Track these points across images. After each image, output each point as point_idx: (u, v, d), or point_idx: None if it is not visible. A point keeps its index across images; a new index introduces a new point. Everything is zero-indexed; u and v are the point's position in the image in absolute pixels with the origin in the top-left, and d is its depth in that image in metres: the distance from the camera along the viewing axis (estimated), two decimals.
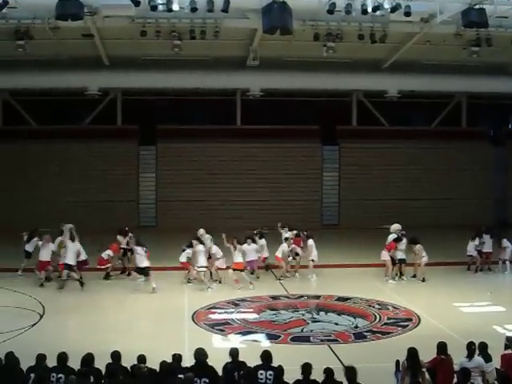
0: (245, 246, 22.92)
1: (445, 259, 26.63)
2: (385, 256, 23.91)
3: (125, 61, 33.50)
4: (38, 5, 23.68)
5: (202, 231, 23.82)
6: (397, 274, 23.92)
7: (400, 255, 23.87)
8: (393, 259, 23.88)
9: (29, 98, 36.48)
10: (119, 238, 24.53)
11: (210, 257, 23.26)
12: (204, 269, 22.69)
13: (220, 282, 23.13)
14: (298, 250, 24.43)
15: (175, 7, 23.51)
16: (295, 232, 24.98)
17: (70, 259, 22.25)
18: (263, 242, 24.46)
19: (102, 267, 23.70)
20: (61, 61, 32.85)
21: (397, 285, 23.32)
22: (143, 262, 22.29)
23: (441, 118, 41.26)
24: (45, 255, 22.92)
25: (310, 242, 24.18)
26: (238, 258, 22.63)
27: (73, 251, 22.41)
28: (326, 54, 29.74)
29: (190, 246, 22.97)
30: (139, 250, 22.43)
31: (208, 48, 31.37)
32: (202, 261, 22.60)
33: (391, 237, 24.11)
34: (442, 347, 12.26)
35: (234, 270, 22.54)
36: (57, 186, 35.13)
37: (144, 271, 22.31)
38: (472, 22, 23.18)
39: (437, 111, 41.24)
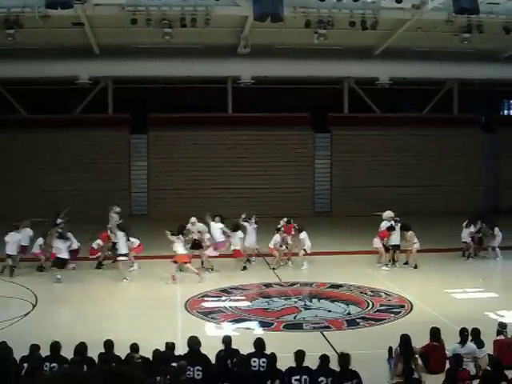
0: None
1: (436, 246, 26.68)
2: (377, 243, 23.93)
3: (115, 49, 33.40)
4: None
5: (193, 219, 23.81)
6: (390, 261, 23.95)
7: (394, 241, 23.89)
8: (385, 246, 23.91)
9: (19, 87, 36.27)
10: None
11: (201, 245, 23.28)
12: (124, 258, 22.51)
13: (212, 270, 23.11)
14: (289, 239, 24.35)
15: None
16: (286, 219, 24.94)
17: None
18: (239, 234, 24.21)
19: (94, 257, 23.67)
20: (51, 49, 32.74)
21: (389, 272, 23.36)
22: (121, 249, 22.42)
23: (432, 104, 41.24)
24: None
25: (303, 234, 23.97)
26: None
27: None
28: (317, 41, 29.75)
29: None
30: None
31: (199, 36, 31.29)
32: (121, 248, 22.50)
33: (384, 224, 24.13)
34: (434, 333, 12.31)
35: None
36: (47, 175, 35.03)
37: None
38: (463, 8, 23.17)
39: (428, 98, 41.24)
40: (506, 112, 46.23)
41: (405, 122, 39.81)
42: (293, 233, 24.35)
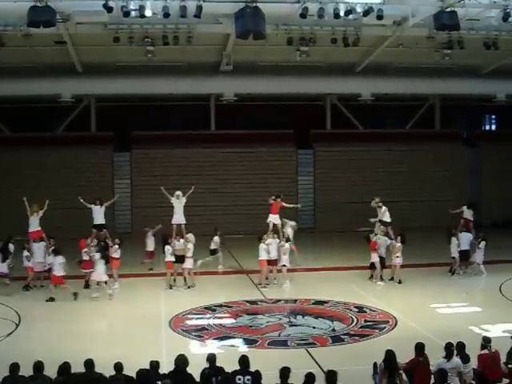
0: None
1: (419, 261, 26.78)
2: (374, 258, 23.99)
3: (98, 67, 33.39)
4: (10, 11, 23.51)
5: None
6: (372, 276, 24.02)
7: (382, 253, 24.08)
8: (382, 261, 23.98)
9: (2, 105, 36.15)
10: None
11: (184, 260, 23.32)
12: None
13: (189, 287, 23.06)
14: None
15: (148, 13, 23.44)
16: (273, 197, 25.21)
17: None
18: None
19: (88, 271, 23.42)
20: (33, 68, 32.71)
21: (374, 287, 23.37)
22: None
23: (414, 120, 41.49)
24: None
25: (287, 245, 24.16)
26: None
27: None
28: (300, 58, 29.86)
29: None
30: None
31: (181, 53, 31.36)
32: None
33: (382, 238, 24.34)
34: (419, 348, 12.30)
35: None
36: (30, 193, 34.80)
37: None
38: (444, 24, 23.33)
39: (410, 113, 41.47)
40: (487, 127, 46.46)
41: (387, 137, 40.03)
42: (281, 242, 24.24)
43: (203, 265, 25.49)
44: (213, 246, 26.33)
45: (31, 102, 36.03)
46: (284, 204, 25.32)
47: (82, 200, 25.18)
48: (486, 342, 12.81)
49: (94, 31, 26.75)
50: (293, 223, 26.57)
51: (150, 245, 26.05)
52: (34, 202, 24.15)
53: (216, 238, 26.34)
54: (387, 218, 25.44)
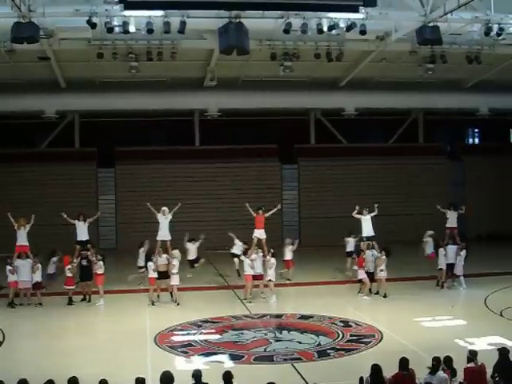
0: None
1: (405, 274, 26.85)
2: (361, 274, 24.03)
3: (82, 83, 33.38)
4: None
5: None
6: (360, 290, 24.09)
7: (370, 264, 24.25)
8: (370, 276, 24.01)
9: None
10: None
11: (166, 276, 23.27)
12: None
13: (178, 304, 22.98)
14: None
15: (132, 29, 23.44)
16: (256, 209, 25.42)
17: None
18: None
19: (72, 288, 23.39)
20: (17, 84, 32.65)
21: (359, 301, 23.39)
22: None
23: (398, 134, 41.69)
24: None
25: (273, 260, 24.12)
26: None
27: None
28: (283, 73, 29.97)
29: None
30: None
31: (165, 69, 31.40)
32: None
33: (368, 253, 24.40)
34: (403, 363, 12.30)
35: None
36: (14, 209, 34.64)
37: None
38: (426, 39, 23.45)
39: (394, 128, 41.69)
40: (470, 140, 46.74)
41: (371, 151, 40.19)
42: (267, 257, 24.23)
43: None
44: (193, 256, 26.40)
45: (15, 117, 35.96)
46: (266, 215, 25.34)
47: (65, 216, 25.06)
48: (473, 355, 12.83)
49: (78, 47, 26.73)
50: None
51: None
52: (18, 217, 24.04)
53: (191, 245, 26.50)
54: (370, 232, 25.54)
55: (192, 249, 26.49)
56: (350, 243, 27.24)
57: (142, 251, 25.63)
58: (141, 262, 25.61)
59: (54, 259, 25.08)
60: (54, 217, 34.89)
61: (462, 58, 28.87)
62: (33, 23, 21.44)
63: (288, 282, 26.36)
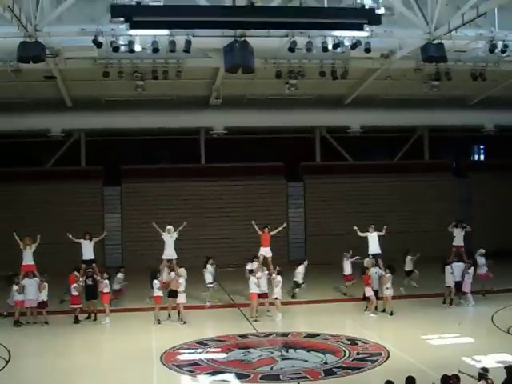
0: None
1: (411, 292, 26.75)
2: (368, 292, 23.98)
3: (88, 102, 33.50)
4: (0, 47, 23.61)
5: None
6: (367, 308, 24.03)
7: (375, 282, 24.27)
8: (376, 293, 23.97)
9: None
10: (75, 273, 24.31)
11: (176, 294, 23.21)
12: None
13: (184, 322, 22.91)
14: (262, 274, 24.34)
15: (137, 48, 23.56)
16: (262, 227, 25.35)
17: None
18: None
19: (77, 306, 23.39)
20: (23, 103, 32.79)
21: (365, 319, 23.31)
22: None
23: (403, 151, 41.69)
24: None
25: (279, 278, 24.06)
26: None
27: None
28: (289, 91, 30.02)
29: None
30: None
31: (171, 87, 31.49)
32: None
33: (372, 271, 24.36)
34: (409, 382, 12.24)
35: None
36: (20, 228, 34.67)
37: None
38: (431, 56, 23.53)
39: (399, 145, 41.69)
40: (476, 157, 46.71)
41: (377, 169, 40.20)
42: (273, 275, 24.20)
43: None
44: (210, 279, 26.22)
45: (21, 136, 36.02)
46: (272, 233, 25.33)
47: (70, 236, 25.06)
48: (485, 371, 12.74)
49: (84, 66, 26.85)
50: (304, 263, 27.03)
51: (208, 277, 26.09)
52: (23, 236, 24.10)
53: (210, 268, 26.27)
54: (376, 250, 25.52)
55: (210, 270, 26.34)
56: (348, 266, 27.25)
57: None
58: (209, 278, 25.89)
59: (120, 275, 25.57)
60: (60, 235, 35.01)
61: (467, 75, 28.91)
62: (39, 43, 21.59)
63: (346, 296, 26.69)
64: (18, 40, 21.38)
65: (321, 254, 37.07)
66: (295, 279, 26.66)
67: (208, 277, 25.94)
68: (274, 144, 39.66)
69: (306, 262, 27.08)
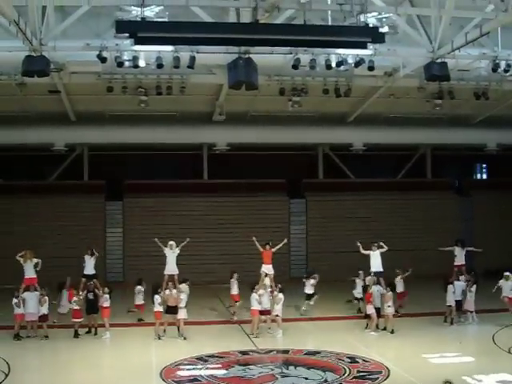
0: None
1: (412, 310, 26.70)
2: (370, 309, 23.95)
3: (91, 116, 33.60)
4: (5, 61, 23.74)
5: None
6: (367, 326, 23.98)
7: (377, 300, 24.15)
8: (376, 311, 23.94)
9: None
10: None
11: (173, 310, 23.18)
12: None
13: (185, 338, 22.87)
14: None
15: (141, 63, 23.69)
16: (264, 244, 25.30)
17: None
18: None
19: (79, 320, 23.38)
20: (27, 116, 32.89)
21: (366, 337, 23.26)
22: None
23: (406, 169, 41.73)
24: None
25: (280, 295, 24.05)
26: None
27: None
28: (292, 108, 30.14)
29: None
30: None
31: (174, 103, 31.60)
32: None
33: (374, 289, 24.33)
34: None
35: None
36: (22, 241, 34.71)
37: None
38: (434, 75, 23.59)
39: (402, 163, 41.73)
40: (479, 176, 46.72)
41: (379, 187, 40.20)
42: (275, 292, 24.19)
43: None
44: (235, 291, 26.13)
45: (24, 150, 36.11)
46: (274, 250, 25.35)
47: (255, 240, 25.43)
48: None
49: (88, 81, 26.99)
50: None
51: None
52: (24, 249, 24.17)
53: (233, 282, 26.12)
54: (379, 268, 25.52)
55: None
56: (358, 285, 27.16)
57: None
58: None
59: (140, 287, 25.40)
60: (62, 249, 35.19)
61: (470, 94, 29.03)
62: (43, 57, 21.68)
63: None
64: (23, 54, 21.49)
65: (323, 271, 36.94)
66: (306, 292, 26.65)
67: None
68: (276, 160, 39.69)
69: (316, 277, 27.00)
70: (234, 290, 25.86)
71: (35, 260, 23.87)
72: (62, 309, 24.36)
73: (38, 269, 23.87)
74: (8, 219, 35.94)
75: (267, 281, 24.82)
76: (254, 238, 25.54)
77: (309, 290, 26.66)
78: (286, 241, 26.94)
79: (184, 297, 23.38)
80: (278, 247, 25.57)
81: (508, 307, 24.43)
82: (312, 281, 26.69)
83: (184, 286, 24.20)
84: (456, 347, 21.45)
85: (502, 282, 24.77)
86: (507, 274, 24.83)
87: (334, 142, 38.75)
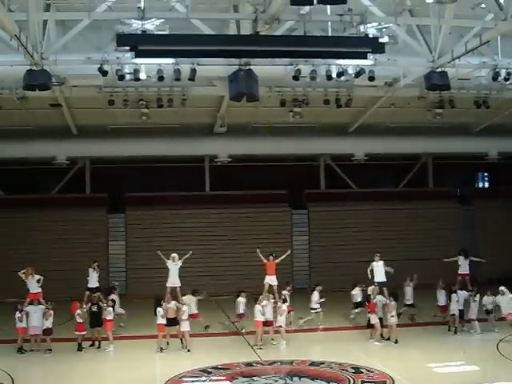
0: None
1: (416, 320, 26.65)
2: (374, 319, 23.92)
3: (93, 129, 33.68)
4: (6, 75, 23.80)
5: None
6: (371, 335, 23.95)
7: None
8: (381, 321, 23.91)
9: None
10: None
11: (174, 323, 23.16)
12: None
13: (188, 350, 22.84)
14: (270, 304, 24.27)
15: (142, 76, 23.73)
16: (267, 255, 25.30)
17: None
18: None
19: (83, 333, 23.37)
20: (29, 130, 32.95)
21: (370, 347, 23.22)
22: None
23: (407, 179, 41.74)
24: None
25: (284, 306, 24.07)
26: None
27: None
28: (293, 119, 30.21)
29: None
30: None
31: (176, 115, 31.64)
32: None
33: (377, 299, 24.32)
34: None
35: None
36: (23, 255, 34.73)
37: None
38: (435, 84, 23.64)
39: (403, 172, 41.77)
40: (480, 185, 46.73)
41: (381, 196, 40.21)
42: (278, 304, 24.19)
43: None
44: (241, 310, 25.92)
45: (26, 163, 36.17)
46: (277, 261, 25.36)
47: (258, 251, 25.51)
48: None
49: (89, 94, 27.06)
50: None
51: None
52: (27, 263, 24.20)
53: (241, 300, 25.98)
54: (382, 278, 25.49)
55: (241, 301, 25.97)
56: (357, 294, 27.19)
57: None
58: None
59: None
60: (64, 262, 35.19)
61: (471, 103, 29.08)
62: (45, 71, 21.77)
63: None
64: (25, 68, 21.57)
65: (326, 281, 36.93)
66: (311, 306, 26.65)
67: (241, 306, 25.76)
68: (278, 172, 39.74)
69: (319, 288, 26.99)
70: (241, 310, 25.62)
71: (37, 276, 23.89)
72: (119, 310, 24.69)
73: (39, 285, 23.86)
74: (10, 233, 35.96)
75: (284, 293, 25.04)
76: (257, 250, 25.56)
77: (357, 297, 26.92)
78: (289, 252, 26.91)
79: (186, 309, 23.36)
80: (281, 258, 25.57)
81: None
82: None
83: (186, 298, 24.20)
84: (460, 356, 21.39)
85: (499, 299, 24.65)
86: (502, 288, 24.72)
87: (336, 153, 38.78)
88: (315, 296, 26.63)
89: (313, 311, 26.57)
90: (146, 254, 36.22)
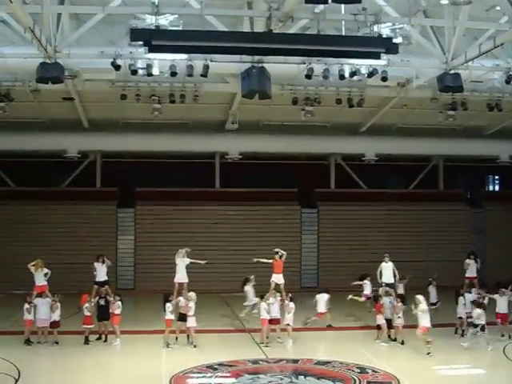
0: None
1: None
2: (380, 320, 23.88)
3: (104, 123, 33.74)
4: (19, 67, 23.90)
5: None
6: (378, 337, 23.92)
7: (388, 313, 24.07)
8: (388, 322, 23.88)
9: (8, 159, 36.40)
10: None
11: (185, 318, 23.15)
12: None
13: (195, 346, 22.85)
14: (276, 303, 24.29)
15: (155, 71, 23.76)
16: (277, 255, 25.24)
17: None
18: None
19: (90, 327, 23.43)
20: (40, 123, 33.06)
21: (376, 348, 23.18)
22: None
23: (418, 180, 41.66)
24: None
25: (291, 304, 24.04)
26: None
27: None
28: (305, 117, 30.19)
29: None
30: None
31: (187, 111, 31.70)
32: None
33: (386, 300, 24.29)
34: None
35: None
36: (33, 247, 34.83)
37: None
38: (447, 86, 23.60)
39: (414, 174, 41.67)
40: (491, 187, 46.64)
41: (391, 197, 40.15)
42: (286, 302, 24.18)
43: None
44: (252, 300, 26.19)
45: (37, 156, 36.27)
46: (283, 258, 25.34)
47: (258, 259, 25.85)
48: None
49: (102, 88, 27.13)
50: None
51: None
52: (36, 256, 24.25)
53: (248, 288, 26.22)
54: (390, 279, 25.50)
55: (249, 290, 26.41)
56: (368, 285, 27.20)
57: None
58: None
59: (250, 289, 25.90)
60: (73, 255, 35.26)
61: (483, 106, 29.01)
62: (58, 64, 21.82)
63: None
64: (38, 61, 21.64)
65: (333, 281, 36.99)
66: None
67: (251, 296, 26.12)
68: (288, 170, 39.75)
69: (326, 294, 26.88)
70: (252, 298, 26.01)
71: (45, 270, 23.97)
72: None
73: (46, 278, 23.93)
74: (20, 225, 36.05)
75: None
76: (261, 259, 25.66)
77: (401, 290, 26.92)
78: (285, 253, 26.48)
79: (192, 305, 23.35)
80: (284, 256, 25.41)
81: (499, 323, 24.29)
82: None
83: (193, 294, 24.18)
84: (467, 359, 21.35)
85: (496, 297, 24.57)
86: (503, 290, 24.65)
87: (347, 152, 38.76)
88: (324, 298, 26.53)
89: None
90: (154, 248, 36.35)
